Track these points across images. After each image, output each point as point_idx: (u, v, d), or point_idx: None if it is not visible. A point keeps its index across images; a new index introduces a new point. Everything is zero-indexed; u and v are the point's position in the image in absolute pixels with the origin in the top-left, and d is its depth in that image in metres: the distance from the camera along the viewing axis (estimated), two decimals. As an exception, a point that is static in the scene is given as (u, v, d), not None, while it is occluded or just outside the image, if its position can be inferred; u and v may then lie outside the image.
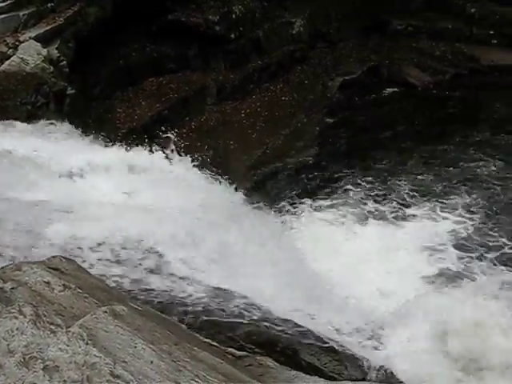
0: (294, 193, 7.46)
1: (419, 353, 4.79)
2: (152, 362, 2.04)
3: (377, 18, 12.69)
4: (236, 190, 6.73)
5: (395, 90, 11.11)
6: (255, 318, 4.75)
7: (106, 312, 2.23)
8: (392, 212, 7.43)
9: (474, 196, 7.51)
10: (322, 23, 12.01)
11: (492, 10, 13.04)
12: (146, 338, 2.17)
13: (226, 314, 4.67)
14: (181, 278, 4.70)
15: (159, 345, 2.19)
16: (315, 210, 7.27)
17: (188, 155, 7.17)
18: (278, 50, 10.81)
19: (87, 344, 2.02)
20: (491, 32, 12.88)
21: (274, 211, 6.93)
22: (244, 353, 3.97)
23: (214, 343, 3.43)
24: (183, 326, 3.80)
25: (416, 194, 7.78)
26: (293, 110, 9.78)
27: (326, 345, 4.53)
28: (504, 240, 6.75)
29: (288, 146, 8.83)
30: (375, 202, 7.59)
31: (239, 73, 9.95)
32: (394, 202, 7.60)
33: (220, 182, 6.76)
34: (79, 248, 4.15)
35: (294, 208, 7.21)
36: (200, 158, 7.39)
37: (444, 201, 7.44)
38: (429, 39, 12.89)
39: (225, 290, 4.83)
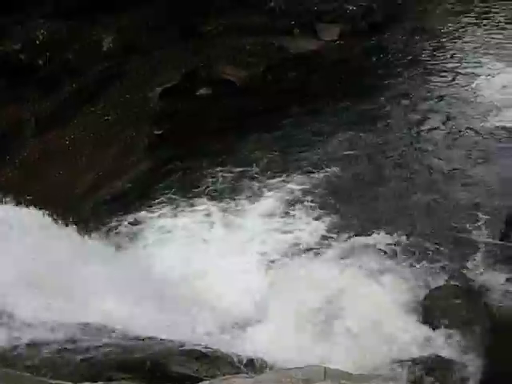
0: (130, 213, 7.48)
1: (285, 335, 5.19)
2: None
3: (188, 22, 12.99)
4: (69, 223, 6.62)
5: (215, 88, 11.45)
6: (113, 342, 4.79)
7: None
8: (235, 211, 7.62)
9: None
10: (134, 35, 12.04)
11: (289, 3, 14.05)
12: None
13: (78, 347, 4.67)
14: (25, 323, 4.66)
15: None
16: (156, 225, 7.36)
17: (13, 194, 6.88)
18: (92, 69, 10.68)
19: None
20: (292, 22, 13.90)
21: (113, 235, 6.95)
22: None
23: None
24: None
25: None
26: (119, 127, 9.77)
27: (195, 351, 4.72)
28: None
29: (120, 164, 8.83)
30: (215, 205, 7.76)
31: (55, 99, 9.70)
32: (232, 203, 7.80)
33: (52, 217, 6.60)
34: None
35: (133, 228, 7.26)
36: (27, 196, 7.14)
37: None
38: (239, 36, 13.51)
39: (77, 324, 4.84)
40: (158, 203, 7.70)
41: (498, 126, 9.29)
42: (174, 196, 7.81)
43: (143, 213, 7.47)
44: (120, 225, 7.17)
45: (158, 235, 7.18)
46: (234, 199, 7.74)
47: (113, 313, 5.04)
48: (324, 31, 14.05)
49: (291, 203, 7.55)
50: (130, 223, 7.27)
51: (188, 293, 6.02)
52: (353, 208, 7.48)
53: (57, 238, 6.20)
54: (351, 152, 8.80)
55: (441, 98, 10.83)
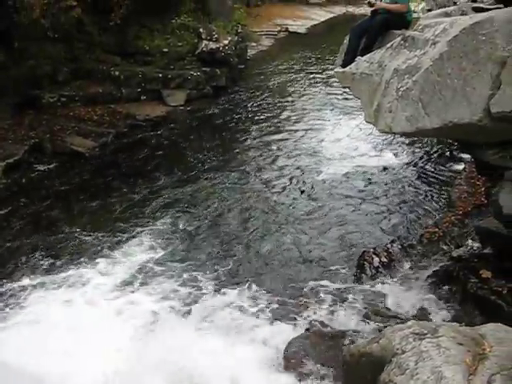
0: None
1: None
2: None
3: (28, 93, 12.62)
4: None
5: (63, 160, 11.15)
6: None
7: None
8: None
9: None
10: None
11: (133, 71, 14.27)
12: None
13: None
14: None
15: None
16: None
17: None
18: None
19: None
20: (139, 90, 14.11)
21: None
22: None
23: None
24: None
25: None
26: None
27: None
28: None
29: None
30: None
31: None
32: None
33: None
34: None
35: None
36: None
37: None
38: (85, 106, 13.40)
39: None
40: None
41: (330, 176, 10.15)
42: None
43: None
44: None
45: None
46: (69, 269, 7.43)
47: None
48: (170, 97, 14.45)
49: (139, 270, 7.41)
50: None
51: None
52: (207, 268, 7.52)
53: None
54: (193, 211, 9.04)
55: (280, 149, 11.68)
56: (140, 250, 7.87)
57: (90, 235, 8.28)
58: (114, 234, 8.31)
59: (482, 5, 6.04)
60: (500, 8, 5.42)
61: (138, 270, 7.38)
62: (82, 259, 7.63)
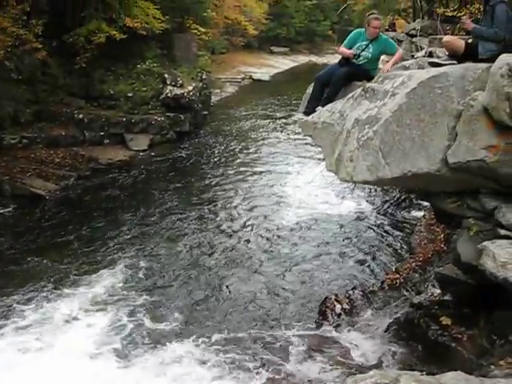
0: None
1: None
2: None
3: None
4: None
5: (22, 203, 10.94)
6: None
7: None
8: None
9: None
10: None
11: (97, 115, 14.25)
12: None
13: None
14: None
15: None
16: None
17: None
18: None
19: None
20: (102, 133, 14.08)
21: None
22: None
23: None
24: None
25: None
26: None
27: None
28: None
29: None
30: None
31: None
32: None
33: None
34: None
35: None
36: None
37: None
38: (46, 148, 13.26)
39: None
40: None
41: (292, 222, 10.21)
42: None
43: None
44: None
45: None
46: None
47: None
48: (134, 141, 14.46)
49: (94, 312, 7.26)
50: None
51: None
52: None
53: None
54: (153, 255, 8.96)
55: (242, 194, 11.76)
56: (96, 293, 7.70)
57: (42, 278, 8.12)
58: (70, 273, 8.23)
59: (437, 60, 6.29)
60: (454, 64, 5.66)
61: (93, 313, 7.22)
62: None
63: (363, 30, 6.97)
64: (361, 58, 6.89)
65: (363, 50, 6.87)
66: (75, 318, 7.07)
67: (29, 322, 6.99)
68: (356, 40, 6.94)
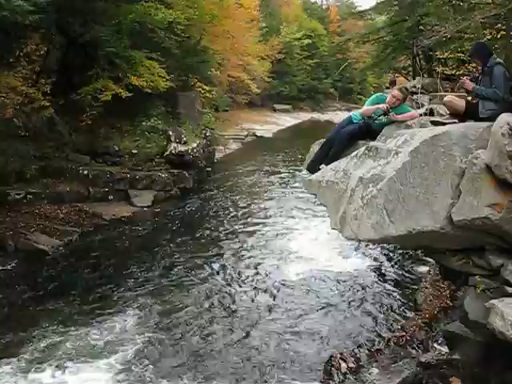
0: None
1: None
2: None
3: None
4: None
5: (25, 258, 10.92)
6: None
7: None
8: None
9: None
10: None
11: (102, 171, 14.40)
12: None
13: None
14: None
15: None
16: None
17: None
18: None
19: None
20: (106, 189, 14.18)
21: None
22: None
23: None
24: None
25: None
26: None
27: None
28: None
29: None
30: None
31: None
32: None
33: None
34: None
35: None
36: None
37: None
38: (51, 204, 13.34)
39: None
40: None
41: (297, 279, 10.13)
42: None
43: None
44: None
45: None
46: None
47: None
48: (138, 197, 14.55)
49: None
50: None
51: None
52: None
53: None
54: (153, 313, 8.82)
55: (247, 249, 11.71)
56: (98, 350, 7.59)
57: (45, 335, 8.00)
58: (74, 330, 8.14)
59: (439, 119, 6.42)
60: (455, 123, 5.78)
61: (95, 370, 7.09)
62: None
63: (385, 95, 7.17)
64: (376, 122, 7.05)
65: (381, 115, 7.03)
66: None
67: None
68: (377, 104, 7.12)
